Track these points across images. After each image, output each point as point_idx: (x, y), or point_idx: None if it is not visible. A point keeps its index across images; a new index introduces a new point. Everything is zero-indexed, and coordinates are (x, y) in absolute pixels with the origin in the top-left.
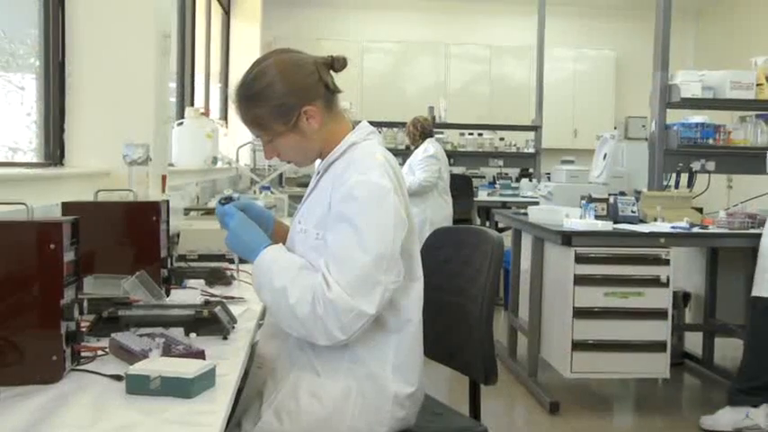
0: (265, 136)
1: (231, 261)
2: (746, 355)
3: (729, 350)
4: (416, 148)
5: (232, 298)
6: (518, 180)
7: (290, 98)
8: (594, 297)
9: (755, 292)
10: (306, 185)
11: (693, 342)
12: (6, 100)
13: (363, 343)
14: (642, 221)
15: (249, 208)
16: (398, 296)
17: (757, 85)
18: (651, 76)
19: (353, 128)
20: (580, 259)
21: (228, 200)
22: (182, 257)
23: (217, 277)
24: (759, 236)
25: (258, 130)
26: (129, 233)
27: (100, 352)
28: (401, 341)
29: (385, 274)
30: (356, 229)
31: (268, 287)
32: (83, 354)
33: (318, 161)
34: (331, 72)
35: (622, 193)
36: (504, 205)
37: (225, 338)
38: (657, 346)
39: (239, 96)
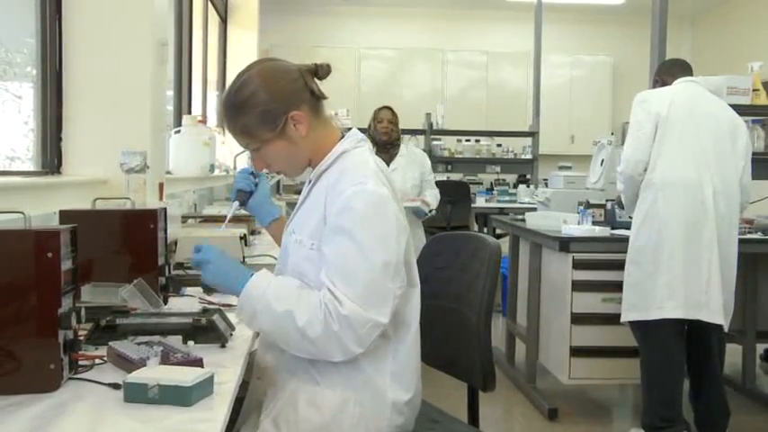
0: (253, 144)
1: None
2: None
3: (728, 355)
4: (395, 144)
5: (230, 306)
6: (515, 186)
7: (275, 104)
8: (592, 303)
9: (626, 318)
10: None
11: None
12: (4, 108)
13: (364, 351)
14: None
15: (263, 190)
16: (398, 303)
17: (753, 90)
18: (647, 82)
19: (342, 135)
20: (578, 265)
21: (252, 174)
22: (179, 265)
23: None
24: (756, 242)
25: (246, 140)
26: (126, 241)
27: (98, 360)
28: (399, 347)
29: (392, 281)
30: (359, 241)
31: (267, 314)
32: (80, 362)
33: (310, 169)
34: (317, 80)
35: (619, 191)
36: (502, 211)
37: (223, 346)
38: None
39: (226, 107)
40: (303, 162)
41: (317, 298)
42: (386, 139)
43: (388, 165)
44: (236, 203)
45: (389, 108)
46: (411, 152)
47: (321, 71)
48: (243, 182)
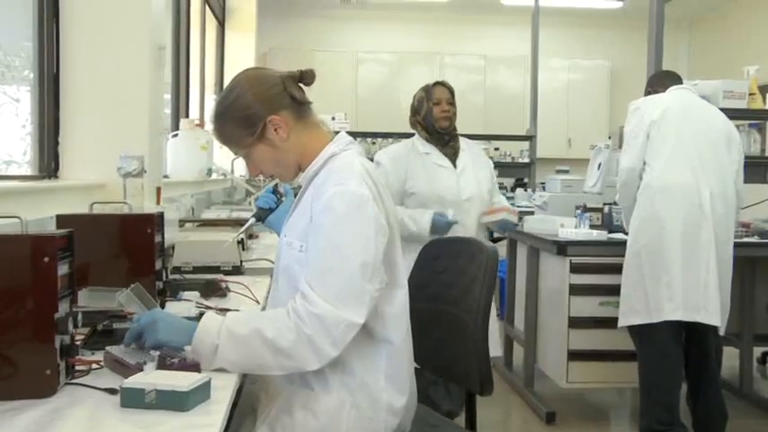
0: (240, 151)
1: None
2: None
3: (725, 359)
4: (454, 136)
5: (227, 310)
6: (513, 190)
7: (253, 108)
8: (590, 306)
9: (626, 323)
10: None
11: None
12: (2, 112)
13: (355, 354)
14: None
15: (284, 207)
16: (382, 304)
17: (750, 94)
18: (645, 86)
19: (332, 139)
20: (575, 269)
21: (275, 192)
22: (177, 269)
23: (212, 289)
24: (753, 245)
25: (232, 146)
26: (123, 245)
27: (94, 365)
28: (391, 350)
29: (369, 282)
30: (337, 240)
31: (230, 342)
32: (77, 367)
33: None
34: (304, 86)
35: (617, 203)
36: None
37: None
38: None
39: (213, 116)
40: (291, 166)
41: (282, 310)
42: (446, 126)
43: (454, 164)
44: (253, 219)
45: (445, 84)
46: (470, 146)
47: (306, 77)
48: (263, 200)
